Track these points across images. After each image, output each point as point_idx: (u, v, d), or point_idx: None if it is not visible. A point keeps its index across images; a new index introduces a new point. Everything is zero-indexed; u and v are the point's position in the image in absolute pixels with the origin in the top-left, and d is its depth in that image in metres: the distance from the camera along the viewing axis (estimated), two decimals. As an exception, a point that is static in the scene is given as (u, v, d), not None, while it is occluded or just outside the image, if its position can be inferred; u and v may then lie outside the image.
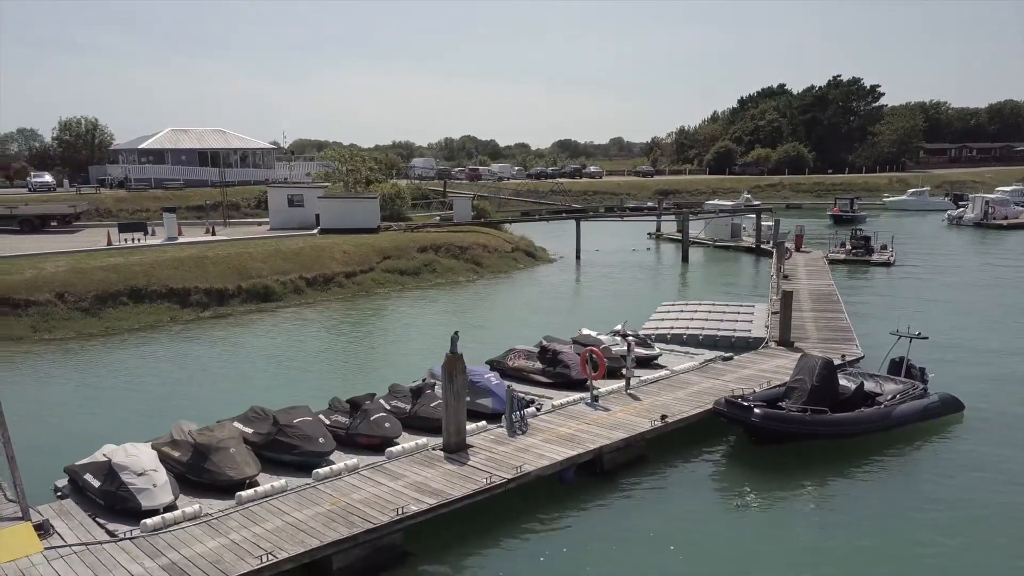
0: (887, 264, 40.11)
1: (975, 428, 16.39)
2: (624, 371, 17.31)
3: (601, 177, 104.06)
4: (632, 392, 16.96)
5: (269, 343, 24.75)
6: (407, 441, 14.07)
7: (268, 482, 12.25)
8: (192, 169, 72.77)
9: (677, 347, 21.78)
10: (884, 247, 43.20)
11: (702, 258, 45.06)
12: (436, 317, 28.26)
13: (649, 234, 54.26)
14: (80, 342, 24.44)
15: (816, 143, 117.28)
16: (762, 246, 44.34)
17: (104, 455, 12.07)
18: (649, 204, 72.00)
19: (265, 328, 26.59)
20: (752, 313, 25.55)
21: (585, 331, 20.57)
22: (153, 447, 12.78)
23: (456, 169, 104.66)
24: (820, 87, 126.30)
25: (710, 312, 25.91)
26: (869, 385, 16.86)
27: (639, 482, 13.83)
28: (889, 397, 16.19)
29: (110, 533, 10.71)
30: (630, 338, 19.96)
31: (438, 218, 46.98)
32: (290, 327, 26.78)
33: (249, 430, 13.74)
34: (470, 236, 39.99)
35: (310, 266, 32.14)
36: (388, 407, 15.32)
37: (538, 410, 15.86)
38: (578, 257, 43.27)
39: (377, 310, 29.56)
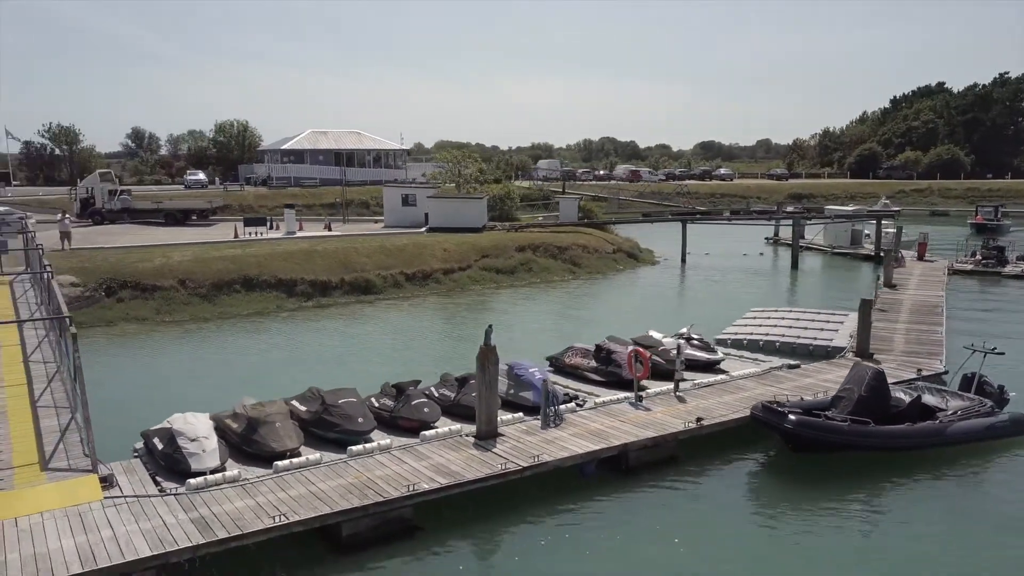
0: (1022, 277, 37.16)
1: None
2: (678, 375, 17.37)
3: (732, 180, 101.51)
4: (680, 394, 17.00)
5: (362, 331, 26.37)
6: (446, 426, 14.86)
7: (309, 455, 13.38)
8: (328, 168, 77.00)
9: (747, 353, 21.39)
10: (1022, 258, 40.01)
11: (816, 265, 43.40)
12: (518, 313, 28.99)
13: (767, 239, 52.69)
14: (196, 324, 26.97)
15: (977, 146, 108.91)
16: (881, 254, 42.09)
17: (168, 422, 13.59)
18: (775, 208, 69.65)
19: (362, 318, 28.27)
20: (842, 322, 24.59)
21: (652, 332, 20.66)
22: (215, 418, 14.25)
23: (581, 171, 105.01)
24: (984, 85, 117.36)
25: (798, 319, 25.20)
26: (932, 399, 16.12)
27: (663, 481, 13.95)
28: (950, 413, 15.42)
29: (161, 489, 12.12)
30: (694, 340, 20.03)
31: (540, 218, 47.75)
32: (384, 317, 28.34)
33: (302, 408, 14.95)
34: (570, 237, 40.50)
35: (411, 262, 33.71)
36: (437, 394, 16.21)
37: (580, 406, 16.25)
38: (683, 260, 42.75)
39: (467, 305, 30.64)
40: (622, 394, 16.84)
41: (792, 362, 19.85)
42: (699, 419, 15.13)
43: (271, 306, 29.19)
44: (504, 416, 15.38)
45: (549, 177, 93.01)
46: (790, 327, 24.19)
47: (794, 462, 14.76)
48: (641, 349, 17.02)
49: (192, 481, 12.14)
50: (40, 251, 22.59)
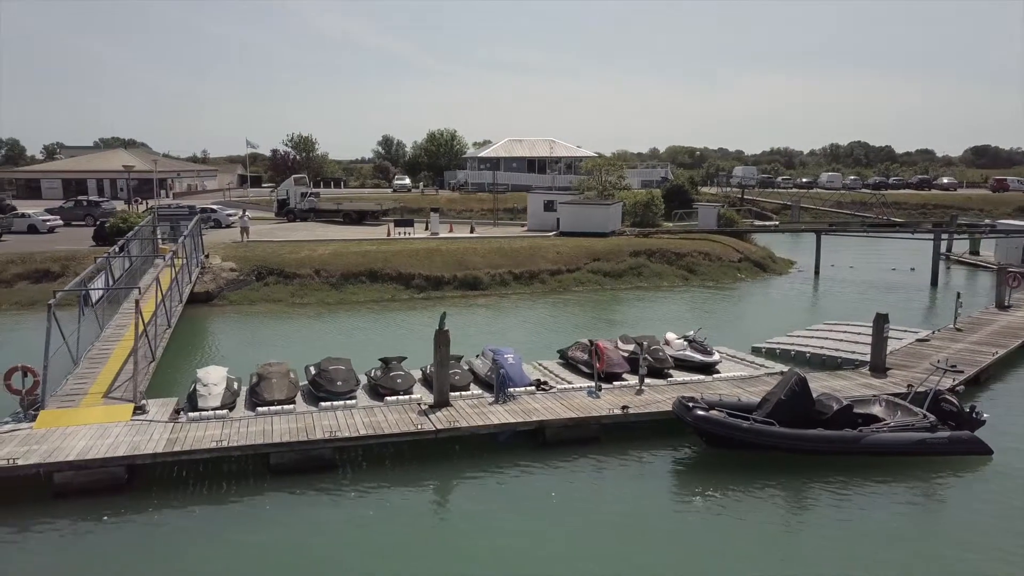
0: None
1: (992, 477, 15.04)
2: (641, 370, 18.81)
3: (955, 189, 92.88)
4: (643, 388, 18.44)
5: (455, 319, 29.71)
6: (419, 395, 17.71)
7: (301, 406, 16.87)
8: (519, 175, 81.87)
9: (758, 359, 21.83)
10: None
11: (970, 284, 40.20)
12: (589, 314, 30.82)
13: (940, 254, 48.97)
14: (321, 307, 31.93)
15: None
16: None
17: (197, 372, 17.77)
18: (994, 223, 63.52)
19: (460, 309, 31.68)
20: (900, 339, 23.99)
21: (669, 334, 22.00)
22: (258, 374, 18.16)
23: (781, 178, 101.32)
24: None
25: (854, 334, 24.87)
26: (878, 410, 16.43)
27: (576, 458, 15.71)
28: (881, 424, 15.65)
29: (172, 418, 16.19)
30: (695, 343, 21.15)
31: (670, 225, 48.41)
32: (479, 310, 31.56)
33: (313, 371, 18.56)
34: (694, 243, 41.09)
35: (522, 263, 36.63)
36: (429, 370, 19.03)
37: (545, 390, 18.35)
38: (816, 272, 41.62)
39: (559, 303, 32.93)
40: (586, 383, 18.67)
41: (785, 369, 20.30)
42: (624, 408, 16.70)
43: (387, 296, 33.54)
44: (471, 392, 17.99)
45: (744, 184, 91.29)
46: (838, 341, 24.06)
47: (709, 458, 15.86)
48: (601, 345, 18.76)
49: (191, 414, 16.13)
50: (184, 240, 28.48)
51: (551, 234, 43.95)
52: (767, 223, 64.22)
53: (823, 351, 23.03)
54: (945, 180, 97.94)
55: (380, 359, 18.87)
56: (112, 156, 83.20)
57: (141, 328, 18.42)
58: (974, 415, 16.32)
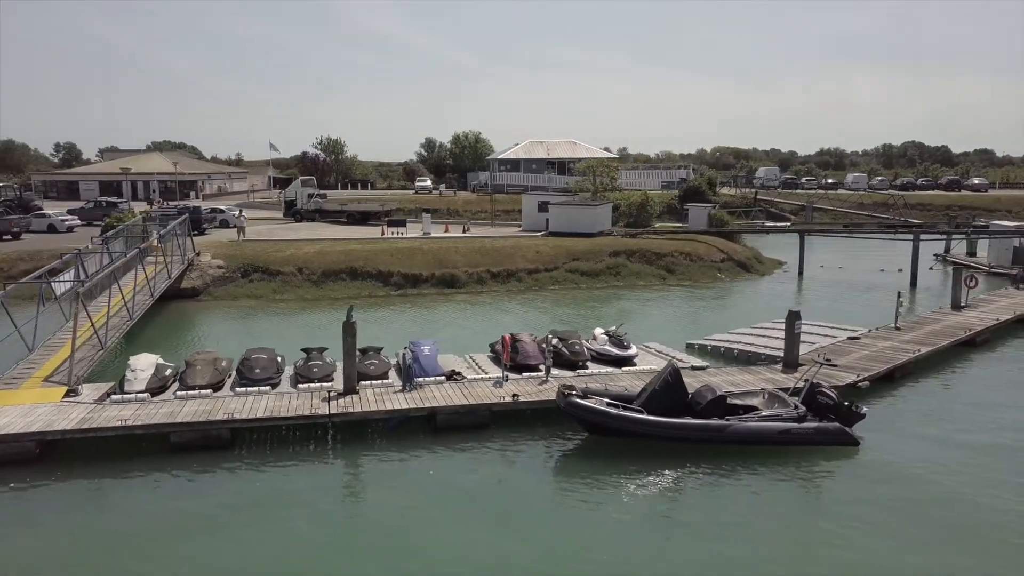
0: None
1: (854, 467, 15.62)
2: (545, 363, 19.70)
3: (985, 190, 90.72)
4: (549, 379, 19.33)
5: (422, 314, 30.97)
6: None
7: (225, 392, 18.21)
8: (538, 176, 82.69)
9: (684, 356, 22.54)
10: None
11: (949, 284, 39.78)
12: (552, 311, 31.66)
13: (935, 255, 48.47)
14: (300, 303, 33.41)
15: None
16: (1034, 275, 37.63)
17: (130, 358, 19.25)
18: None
19: (432, 306, 32.86)
20: (835, 337, 24.39)
21: (596, 330, 22.86)
22: (186, 361, 19.64)
23: (805, 179, 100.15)
24: None
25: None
26: (755, 401, 17.12)
27: (465, 443, 16.71)
28: (751, 414, 16.34)
29: (99, 400, 17.66)
30: (613, 338, 21.94)
31: (656, 225, 48.82)
32: (448, 306, 32.67)
33: (242, 358, 19.89)
34: (676, 244, 41.54)
35: (501, 262, 37.62)
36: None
37: (458, 380, 19.37)
38: (800, 273, 41.71)
39: (527, 302, 33.85)
40: (497, 373, 19.64)
41: (702, 364, 21.00)
42: (515, 395, 17.64)
43: (365, 293, 34.87)
44: (384, 381, 19.09)
45: (767, 184, 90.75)
46: (772, 337, 24.49)
47: (590, 444, 16.70)
48: (507, 337, 19.74)
49: (114, 396, 17.58)
50: (158, 238, 30.29)
51: (539, 234, 44.86)
52: (779, 223, 64.21)
53: (750, 347, 23.56)
54: (976, 181, 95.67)
55: (302, 349, 20.11)
56: (147, 159, 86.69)
57: (86, 320, 20.06)
58: (853, 408, 16.84)
